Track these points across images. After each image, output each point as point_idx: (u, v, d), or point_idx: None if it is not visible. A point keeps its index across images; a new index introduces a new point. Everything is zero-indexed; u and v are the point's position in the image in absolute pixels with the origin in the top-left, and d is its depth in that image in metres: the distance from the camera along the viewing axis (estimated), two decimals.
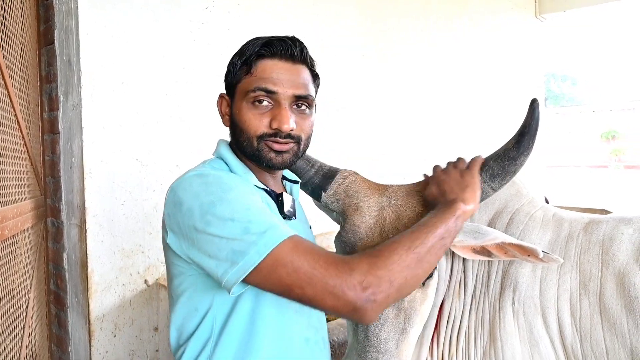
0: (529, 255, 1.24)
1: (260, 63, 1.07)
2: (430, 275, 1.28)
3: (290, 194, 1.29)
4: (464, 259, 1.55)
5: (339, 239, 1.28)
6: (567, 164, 24.82)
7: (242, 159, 1.15)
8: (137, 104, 2.17)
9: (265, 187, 1.15)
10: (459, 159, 1.27)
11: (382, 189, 1.32)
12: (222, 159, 1.14)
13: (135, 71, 2.16)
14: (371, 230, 1.24)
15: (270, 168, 1.13)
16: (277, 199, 1.15)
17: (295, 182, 1.33)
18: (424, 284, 1.27)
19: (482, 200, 1.24)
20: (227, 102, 1.15)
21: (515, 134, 1.21)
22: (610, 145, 26.69)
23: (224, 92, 1.17)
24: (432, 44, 4.01)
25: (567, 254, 1.39)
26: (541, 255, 1.20)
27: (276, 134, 1.07)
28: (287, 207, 1.15)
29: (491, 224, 1.49)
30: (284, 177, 1.32)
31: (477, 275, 1.52)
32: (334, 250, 1.33)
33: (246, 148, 1.10)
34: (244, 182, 1.08)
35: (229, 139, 1.20)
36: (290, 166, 1.17)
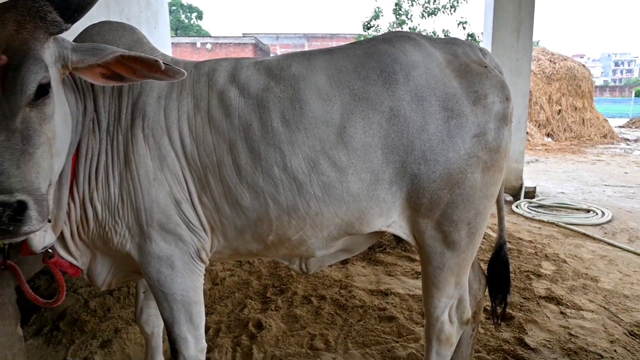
0: (155, 72, 1.38)
1: None
2: (46, 93, 1.23)
3: None
4: (94, 99, 1.61)
5: None
6: None
7: None
8: None
9: None
10: None
11: None
12: None
13: None
14: None
15: None
16: None
17: None
18: (35, 103, 1.20)
19: (80, 11, 1.23)
20: None
21: None
22: None
23: None
24: None
25: (183, 86, 1.67)
26: (163, 67, 1.34)
27: None
28: None
29: None
30: None
31: (109, 112, 1.62)
32: None
33: None
34: None
35: None
36: None
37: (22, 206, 1.07)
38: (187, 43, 29.84)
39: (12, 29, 1.16)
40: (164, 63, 1.35)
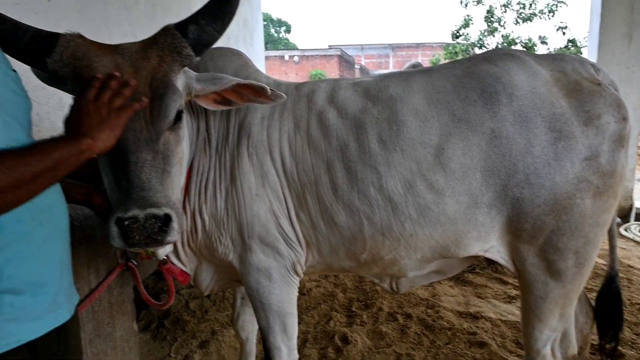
0: (260, 97, 1.51)
1: None
2: (180, 118, 1.39)
3: None
4: (206, 120, 1.76)
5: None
6: None
7: None
8: None
9: None
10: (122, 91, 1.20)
11: (114, 48, 1.33)
12: None
13: None
14: None
15: None
16: None
17: None
18: (173, 127, 1.37)
19: (209, 44, 1.38)
20: None
21: None
22: None
23: None
24: None
25: (285, 106, 1.77)
26: (269, 92, 1.47)
27: None
28: None
29: None
30: None
31: (218, 131, 1.76)
32: None
33: None
34: None
35: None
36: None
37: (168, 218, 1.20)
38: (275, 56, 31.17)
39: (155, 62, 1.31)
40: (270, 89, 1.47)
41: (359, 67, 35.14)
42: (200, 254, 1.81)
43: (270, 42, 45.38)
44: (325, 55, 31.75)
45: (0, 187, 0.88)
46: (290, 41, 48.91)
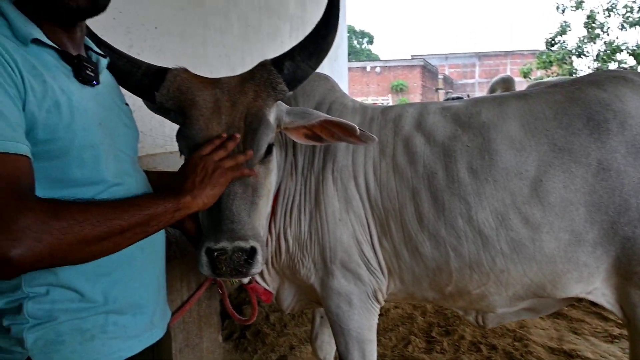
0: (350, 136, 1.47)
1: None
2: (270, 152, 1.42)
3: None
4: (293, 146, 1.80)
5: (181, 134, 1.34)
6: None
7: (28, 12, 0.99)
8: None
9: (54, 45, 1.01)
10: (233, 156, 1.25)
11: (214, 82, 1.39)
12: None
13: None
14: (210, 122, 1.32)
15: (67, 14, 1.01)
16: (73, 61, 1.04)
17: (103, 55, 1.20)
18: (263, 160, 1.39)
19: (303, 80, 1.40)
20: None
21: (322, 17, 1.40)
22: (399, 96, 31.06)
23: None
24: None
25: (371, 131, 1.75)
26: (358, 132, 1.43)
27: None
28: (86, 70, 1.05)
29: None
30: (89, 49, 1.18)
31: (305, 155, 1.79)
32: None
33: None
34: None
35: None
36: (88, 12, 1.04)
37: (253, 251, 1.24)
38: (357, 67, 31.41)
39: (251, 97, 1.35)
40: (359, 129, 1.43)
41: (442, 77, 34.24)
42: (283, 274, 1.85)
43: (353, 54, 45.82)
44: (408, 66, 31.37)
45: (86, 237, 0.89)
46: (373, 52, 49.03)
